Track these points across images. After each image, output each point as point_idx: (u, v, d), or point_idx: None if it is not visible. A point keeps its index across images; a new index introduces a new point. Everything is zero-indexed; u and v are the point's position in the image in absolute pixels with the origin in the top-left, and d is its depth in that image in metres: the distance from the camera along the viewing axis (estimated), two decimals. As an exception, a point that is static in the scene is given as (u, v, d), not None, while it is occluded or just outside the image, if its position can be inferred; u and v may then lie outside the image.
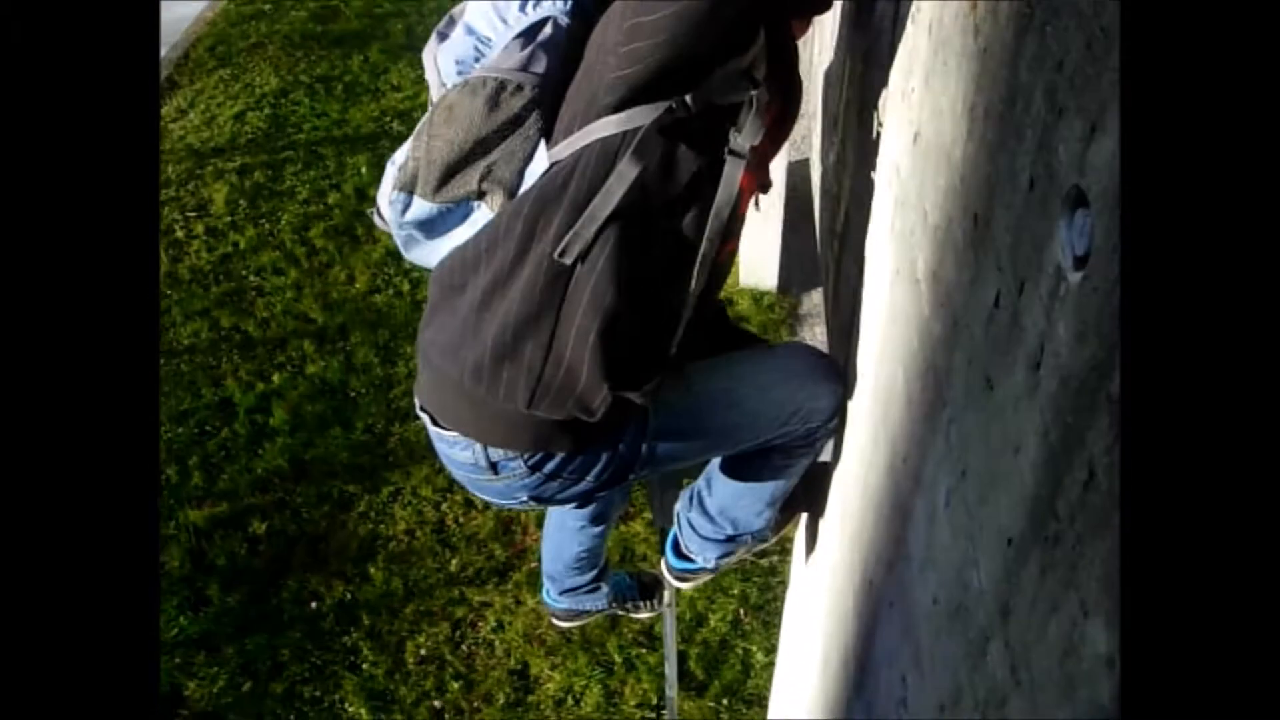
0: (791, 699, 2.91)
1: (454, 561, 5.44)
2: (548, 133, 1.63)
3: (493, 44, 1.70)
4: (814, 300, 6.94)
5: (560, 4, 1.70)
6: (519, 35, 1.68)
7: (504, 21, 1.70)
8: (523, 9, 1.70)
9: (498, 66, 1.65)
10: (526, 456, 1.81)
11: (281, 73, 9.37)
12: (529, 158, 1.64)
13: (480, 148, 1.64)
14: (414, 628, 5.26)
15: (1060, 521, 0.76)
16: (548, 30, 1.68)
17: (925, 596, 1.18)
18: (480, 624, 5.23)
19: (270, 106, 8.90)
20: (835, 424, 1.91)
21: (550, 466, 1.83)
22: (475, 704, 4.99)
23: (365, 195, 7.81)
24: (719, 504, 2.27)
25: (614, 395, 1.68)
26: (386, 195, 1.74)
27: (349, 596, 5.38)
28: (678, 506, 2.51)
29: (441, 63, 1.74)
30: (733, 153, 1.60)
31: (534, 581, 5.09)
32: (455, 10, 1.79)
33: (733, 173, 1.61)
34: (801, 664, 2.44)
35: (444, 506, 5.66)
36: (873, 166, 1.68)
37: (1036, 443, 0.81)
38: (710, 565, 2.54)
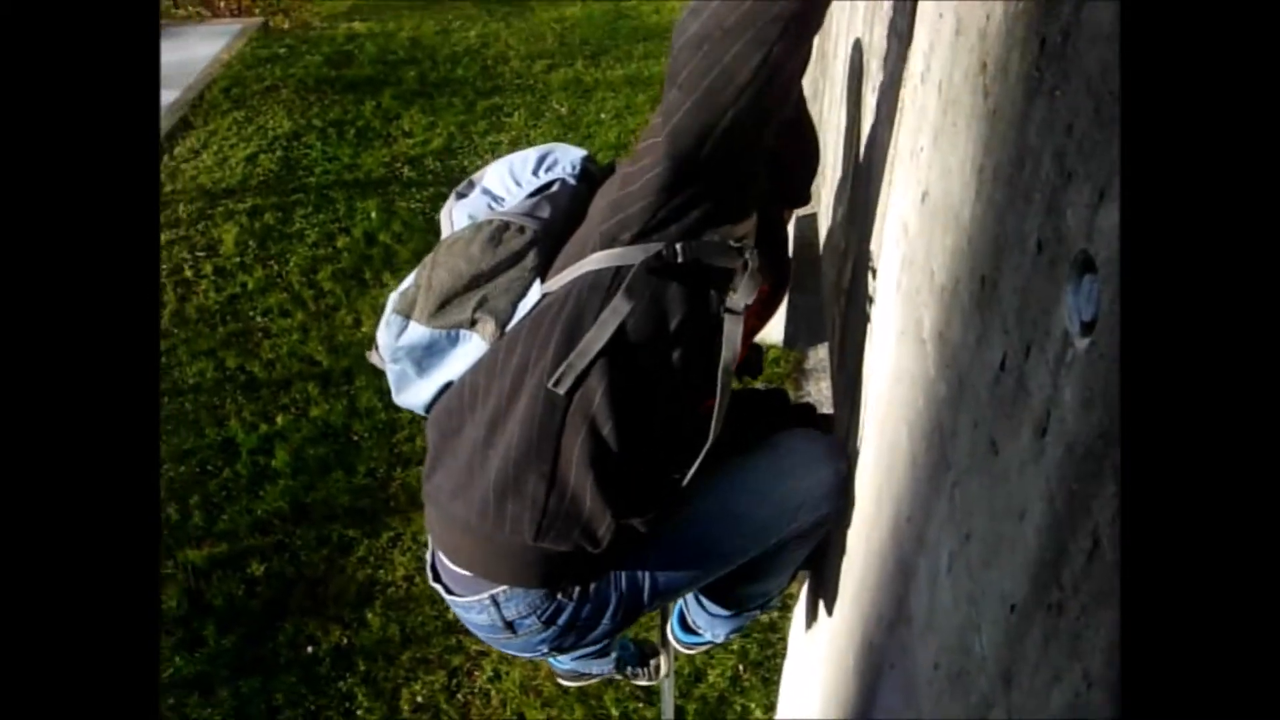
0: (789, 758, 2.87)
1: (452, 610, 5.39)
2: (544, 273, 1.71)
3: (505, 203, 1.82)
4: (819, 355, 6.93)
5: (570, 169, 1.84)
6: (530, 195, 1.81)
7: (518, 184, 1.83)
8: (535, 172, 1.84)
9: (505, 213, 1.76)
10: (540, 612, 1.82)
11: (294, 116, 9.44)
12: (524, 292, 1.71)
13: (479, 279, 1.72)
14: (410, 675, 5.22)
15: (1064, 590, 0.75)
16: (555, 188, 1.81)
17: (927, 660, 1.16)
18: (477, 673, 5.18)
19: (282, 149, 8.97)
20: (843, 503, 1.91)
21: (563, 619, 1.84)
22: (470, 754, 4.95)
23: (374, 240, 7.85)
24: (729, 585, 2.22)
25: (618, 524, 1.71)
26: (385, 321, 1.82)
27: (346, 641, 5.34)
28: None
29: (455, 217, 1.83)
30: (729, 311, 1.66)
31: (532, 631, 5.05)
32: (475, 175, 1.92)
33: (733, 330, 1.66)
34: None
35: (444, 553, 5.62)
36: (880, 224, 1.68)
37: (1041, 509, 0.80)
38: (719, 639, 2.53)
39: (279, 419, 6.43)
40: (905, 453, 1.32)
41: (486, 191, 1.85)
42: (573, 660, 2.98)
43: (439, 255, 1.75)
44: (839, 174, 2.45)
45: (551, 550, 1.73)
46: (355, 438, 6.31)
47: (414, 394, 1.86)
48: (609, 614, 1.88)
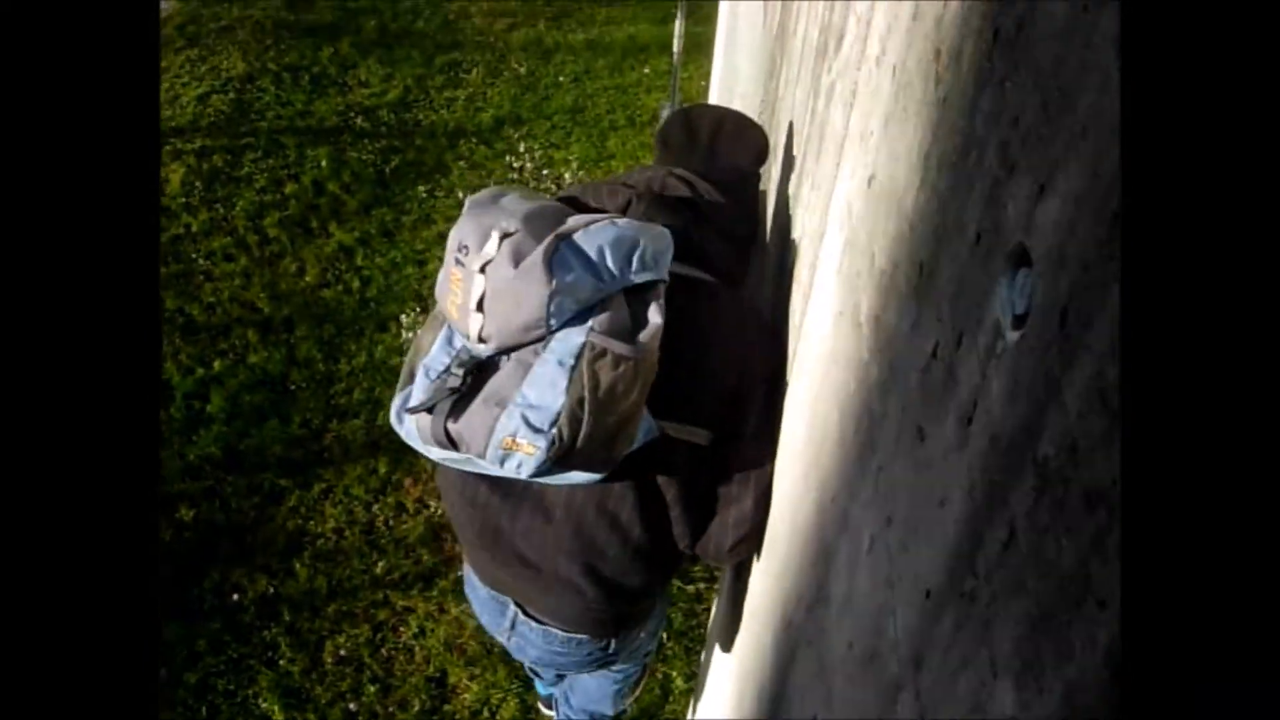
0: (706, 729, 2.90)
1: (380, 564, 5.38)
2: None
3: (606, 288, 1.64)
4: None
5: (659, 267, 1.71)
6: (632, 294, 1.68)
7: (623, 268, 1.66)
8: (640, 266, 1.67)
9: (629, 342, 1.62)
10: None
11: (250, 58, 9.29)
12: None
13: (610, 441, 1.64)
14: (335, 628, 5.20)
15: (978, 579, 0.76)
16: (656, 311, 1.67)
17: (841, 641, 1.17)
18: (402, 629, 5.17)
19: (235, 91, 8.82)
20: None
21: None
22: (391, 709, 4.93)
23: (323, 189, 7.76)
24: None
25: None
26: (507, 453, 1.62)
27: (271, 591, 5.31)
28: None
29: (560, 302, 1.60)
30: None
31: (459, 590, 5.04)
32: (574, 232, 1.66)
33: None
34: (717, 696, 2.43)
35: (375, 508, 5.60)
36: (825, 206, 1.68)
37: (961, 497, 0.81)
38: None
39: (216, 364, 6.35)
40: (835, 434, 1.33)
41: (587, 263, 1.62)
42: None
43: (600, 402, 1.59)
44: (789, 153, 2.45)
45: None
46: (292, 387, 6.25)
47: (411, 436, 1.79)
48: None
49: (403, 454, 5.80)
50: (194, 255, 7.11)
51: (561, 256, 1.58)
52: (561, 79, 9.50)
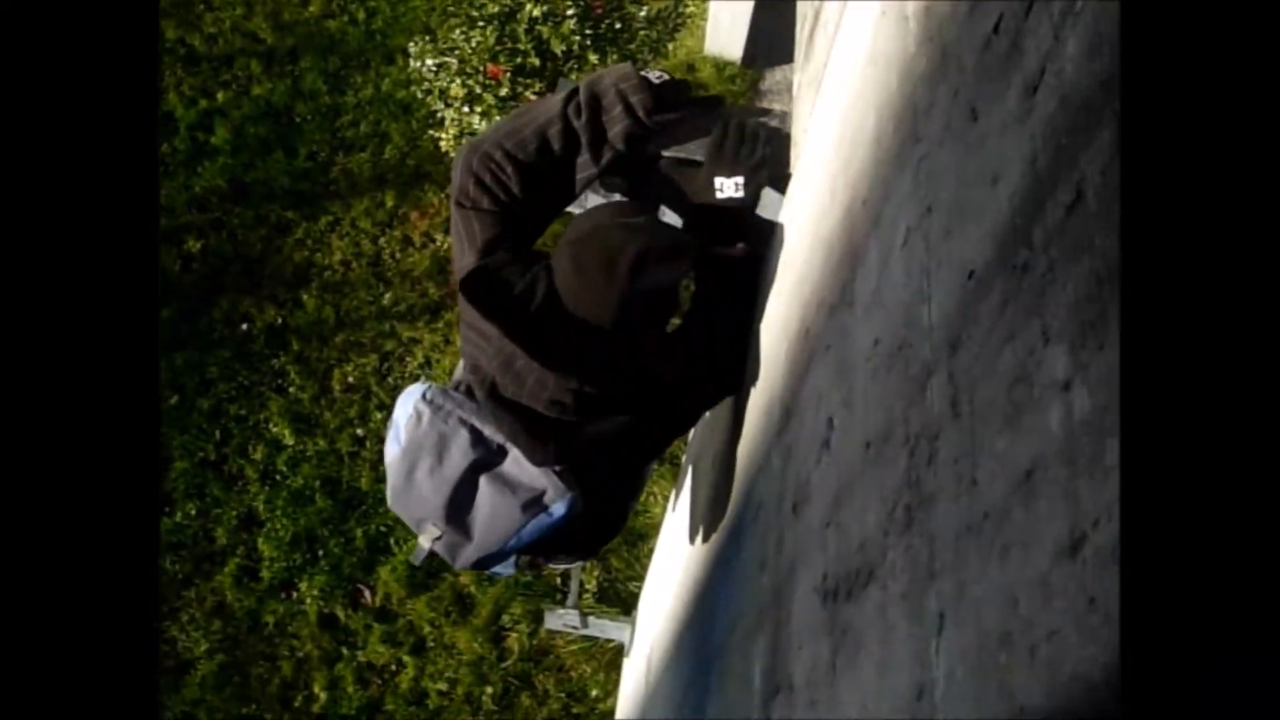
0: (704, 449, 2.95)
1: (387, 296, 5.40)
2: None
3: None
4: (776, 77, 6.77)
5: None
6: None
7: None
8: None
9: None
10: None
11: None
12: None
13: None
14: (342, 357, 5.27)
15: (1033, 249, 0.73)
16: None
17: (866, 339, 1.16)
18: (408, 359, 5.25)
19: None
20: None
21: None
22: (397, 437, 5.06)
23: (326, -89, 7.41)
24: None
25: None
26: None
27: (280, 321, 5.36)
28: None
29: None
30: None
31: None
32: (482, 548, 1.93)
33: None
34: (719, 416, 2.44)
35: (382, 240, 5.59)
36: (871, -96, 1.58)
37: (1020, 170, 0.78)
38: None
39: (220, 95, 6.21)
40: (870, 136, 1.29)
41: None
42: None
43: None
44: None
45: None
46: (298, 119, 6.13)
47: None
48: None
49: (409, 188, 5.75)
50: (192, -19, 6.86)
51: (479, 565, 1.95)
52: None
